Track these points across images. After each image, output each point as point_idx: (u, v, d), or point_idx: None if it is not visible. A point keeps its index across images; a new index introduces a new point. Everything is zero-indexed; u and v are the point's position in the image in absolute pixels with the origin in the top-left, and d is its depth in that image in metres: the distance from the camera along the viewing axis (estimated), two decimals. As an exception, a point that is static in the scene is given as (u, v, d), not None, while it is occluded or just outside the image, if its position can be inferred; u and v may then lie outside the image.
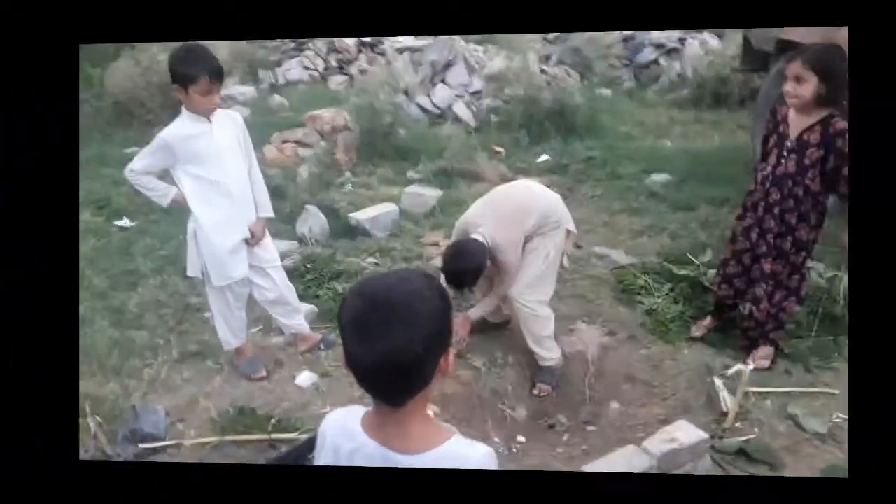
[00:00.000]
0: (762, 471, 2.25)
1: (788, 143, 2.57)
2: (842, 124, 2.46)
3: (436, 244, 4.04)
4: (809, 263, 3.28)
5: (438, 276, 2.55)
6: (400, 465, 1.03)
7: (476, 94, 6.99)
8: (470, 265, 2.60)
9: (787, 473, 2.24)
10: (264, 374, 2.83)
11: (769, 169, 2.64)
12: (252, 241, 2.66)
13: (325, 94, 7.21)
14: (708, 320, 3.06)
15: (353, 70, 7.96)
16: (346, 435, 1.10)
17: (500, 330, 3.16)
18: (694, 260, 3.55)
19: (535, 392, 2.85)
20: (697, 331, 3.05)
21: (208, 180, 2.51)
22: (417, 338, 0.97)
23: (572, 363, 3.01)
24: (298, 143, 5.46)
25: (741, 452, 2.31)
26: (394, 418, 1.04)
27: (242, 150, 2.60)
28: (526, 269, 2.76)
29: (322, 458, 1.13)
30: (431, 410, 1.33)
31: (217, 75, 2.38)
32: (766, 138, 2.71)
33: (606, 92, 7.57)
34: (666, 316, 3.18)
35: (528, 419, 2.87)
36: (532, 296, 2.78)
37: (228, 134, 2.53)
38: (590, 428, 2.78)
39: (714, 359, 2.84)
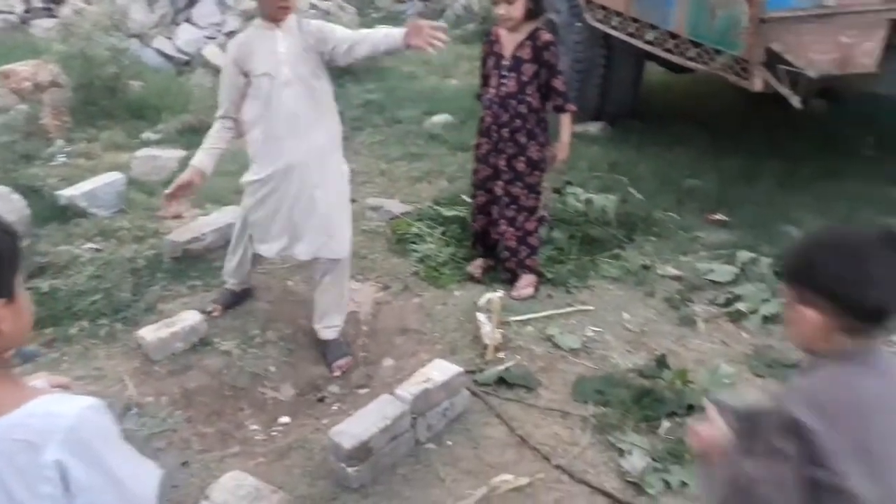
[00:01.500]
0: (520, 394, 2.66)
1: (505, 63, 3.02)
2: (546, 36, 2.96)
3: (178, 216, 3.98)
4: (570, 189, 3.86)
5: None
6: None
7: (232, 34, 6.86)
8: None
9: (541, 391, 2.67)
10: None
11: (493, 91, 3.08)
12: None
13: (25, 44, 6.59)
14: (480, 260, 3.46)
15: (66, 11, 7.36)
16: None
17: (244, 303, 3.22)
18: (468, 199, 3.94)
19: (338, 373, 2.99)
20: (474, 269, 3.43)
21: None
22: None
23: (344, 327, 3.23)
24: (-17, 107, 4.97)
25: (500, 381, 2.70)
26: None
27: None
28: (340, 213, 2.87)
29: None
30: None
31: None
32: (485, 61, 3.15)
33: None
34: (438, 260, 3.53)
35: (296, 397, 3.02)
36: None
37: None
38: (362, 391, 3.02)
39: (482, 296, 3.22)
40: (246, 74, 2.69)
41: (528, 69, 3.00)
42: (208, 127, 5.00)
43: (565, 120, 3.10)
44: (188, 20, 6.88)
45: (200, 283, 3.32)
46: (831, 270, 1.19)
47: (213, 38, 6.71)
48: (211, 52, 6.50)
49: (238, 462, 2.44)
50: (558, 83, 3.04)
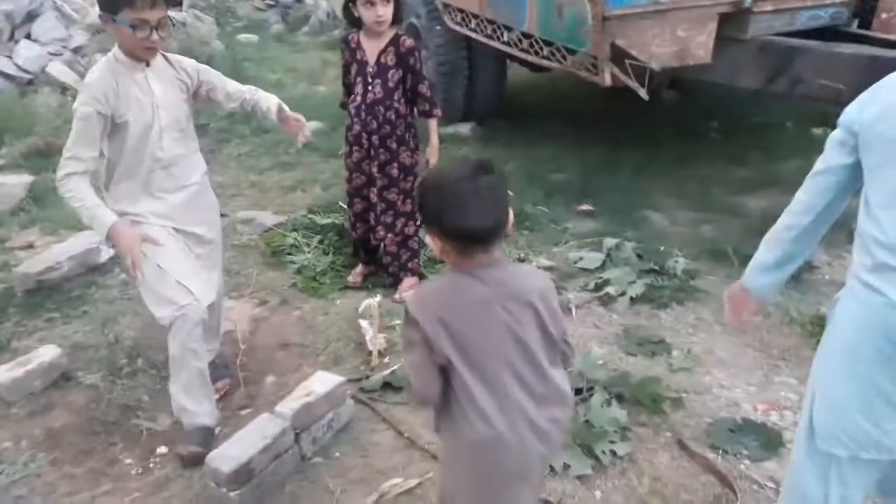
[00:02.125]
0: (406, 397, 2.67)
1: (370, 70, 3.03)
2: (409, 42, 3.00)
3: (30, 246, 3.73)
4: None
5: None
6: None
7: (79, 49, 6.49)
8: None
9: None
10: None
11: (359, 99, 3.08)
12: None
13: None
14: (360, 267, 3.45)
15: None
16: None
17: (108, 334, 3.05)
18: (345, 207, 3.92)
19: (217, 396, 2.82)
20: (354, 278, 3.41)
21: None
22: None
23: (221, 348, 3.12)
24: None
25: (386, 385, 2.71)
26: None
27: None
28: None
29: None
30: None
31: None
32: (347, 69, 3.15)
33: (252, 37, 7.73)
34: (317, 270, 3.49)
35: (173, 425, 2.89)
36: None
37: None
38: (244, 412, 2.93)
39: (362, 303, 3.21)
40: (110, 118, 2.32)
41: (394, 75, 3.02)
42: (57, 150, 4.74)
43: (433, 124, 3.16)
44: (28, 36, 6.41)
45: (58, 315, 3.11)
46: (434, 207, 1.44)
47: (59, 55, 6.29)
48: (57, 70, 6.09)
49: (111, 500, 2.31)
50: (424, 88, 3.08)
